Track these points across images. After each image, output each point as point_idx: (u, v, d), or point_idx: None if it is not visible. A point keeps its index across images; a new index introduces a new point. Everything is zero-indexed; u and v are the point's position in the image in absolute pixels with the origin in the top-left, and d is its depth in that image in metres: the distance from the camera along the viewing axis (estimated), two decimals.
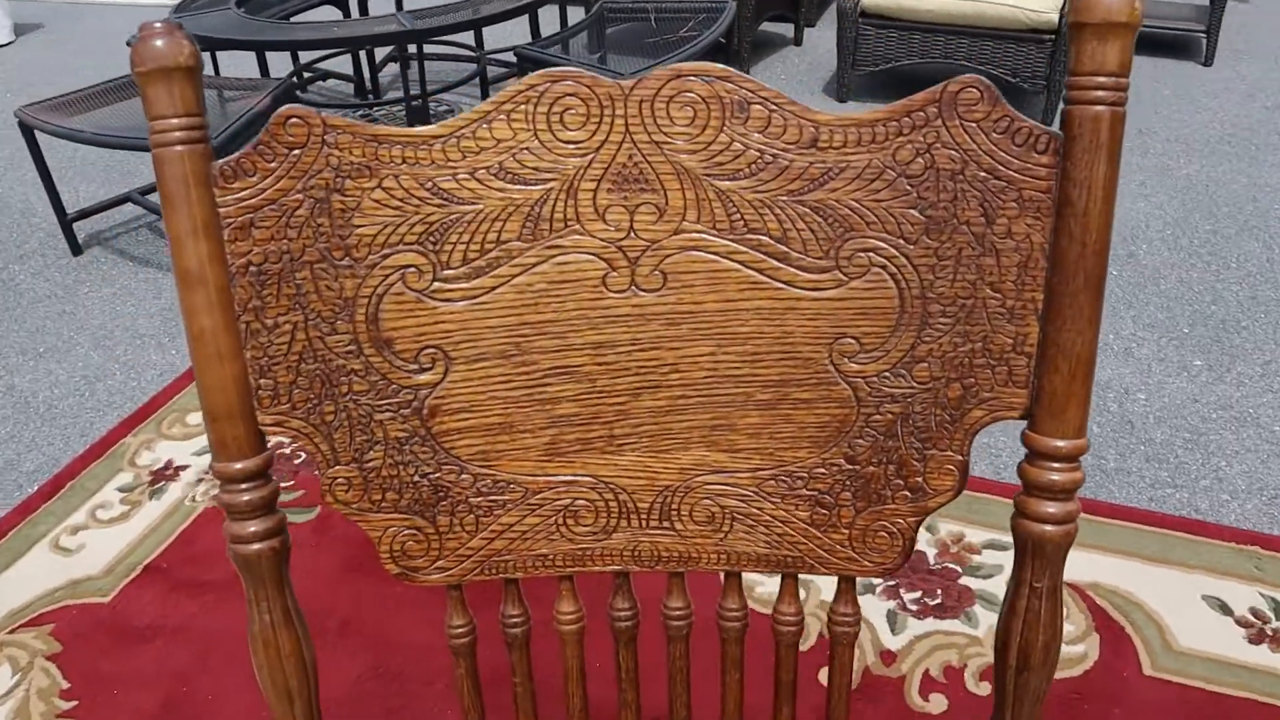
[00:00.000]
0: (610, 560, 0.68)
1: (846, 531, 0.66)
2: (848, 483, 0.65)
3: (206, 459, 2.18)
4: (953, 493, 0.65)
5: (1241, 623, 1.74)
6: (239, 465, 0.63)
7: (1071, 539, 0.62)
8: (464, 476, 0.66)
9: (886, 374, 0.64)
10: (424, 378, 0.65)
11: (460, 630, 0.69)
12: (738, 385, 0.65)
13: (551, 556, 0.68)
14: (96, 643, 1.80)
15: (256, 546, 0.64)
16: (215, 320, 0.61)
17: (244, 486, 0.63)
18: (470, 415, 0.65)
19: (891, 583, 1.80)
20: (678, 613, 0.70)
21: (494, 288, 0.64)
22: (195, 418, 2.31)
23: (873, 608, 1.76)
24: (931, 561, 1.84)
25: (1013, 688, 0.65)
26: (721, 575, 0.70)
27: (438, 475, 0.66)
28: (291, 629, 0.66)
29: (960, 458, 0.64)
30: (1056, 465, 0.61)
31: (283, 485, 2.10)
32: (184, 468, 2.17)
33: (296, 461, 2.17)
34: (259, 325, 0.63)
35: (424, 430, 0.65)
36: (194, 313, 0.61)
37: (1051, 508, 0.62)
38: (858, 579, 0.68)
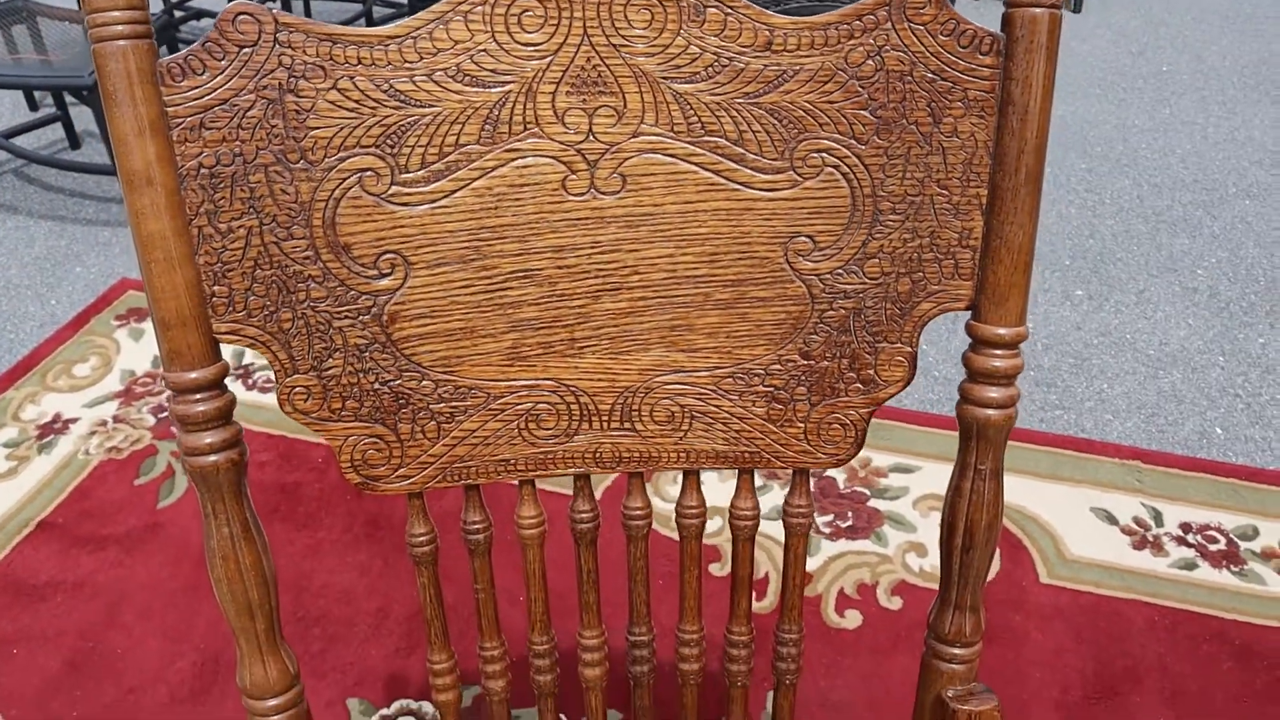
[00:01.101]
0: (572, 463, 0.69)
1: (802, 425, 0.68)
2: (803, 378, 0.67)
3: (98, 410, 2.10)
4: (902, 383, 0.67)
5: (1126, 530, 1.85)
6: (193, 375, 0.62)
7: (1012, 422, 0.65)
8: (425, 383, 0.66)
9: (839, 271, 0.66)
10: (383, 283, 0.64)
11: (421, 539, 0.69)
12: (696, 286, 0.66)
13: (514, 461, 0.69)
14: None
15: (214, 458, 0.62)
16: (164, 224, 0.59)
17: (199, 397, 0.62)
18: (431, 321, 0.65)
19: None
20: (637, 513, 0.71)
21: (453, 191, 0.63)
22: (83, 369, 2.22)
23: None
24: (841, 486, 1.90)
25: (959, 566, 0.69)
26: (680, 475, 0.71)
27: (398, 382, 0.66)
28: (252, 542, 0.65)
29: (910, 349, 0.67)
30: (999, 352, 0.64)
31: None
32: (74, 420, 2.08)
33: None
34: (211, 230, 0.61)
35: (384, 337, 0.65)
36: (142, 216, 0.59)
37: (994, 393, 0.65)
38: (811, 471, 0.70)
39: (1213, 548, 1.82)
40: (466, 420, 0.67)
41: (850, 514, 1.85)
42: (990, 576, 1.75)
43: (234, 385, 2.16)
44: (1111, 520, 1.87)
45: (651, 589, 0.74)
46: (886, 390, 0.68)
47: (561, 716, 0.79)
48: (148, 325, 2.34)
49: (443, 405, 0.67)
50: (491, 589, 0.71)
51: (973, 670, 0.71)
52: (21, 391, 2.16)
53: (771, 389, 0.68)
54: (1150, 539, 1.84)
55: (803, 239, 0.65)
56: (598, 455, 0.69)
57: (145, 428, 2.06)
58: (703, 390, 0.68)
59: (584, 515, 0.71)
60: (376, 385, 0.66)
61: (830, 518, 1.84)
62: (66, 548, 1.81)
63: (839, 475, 1.93)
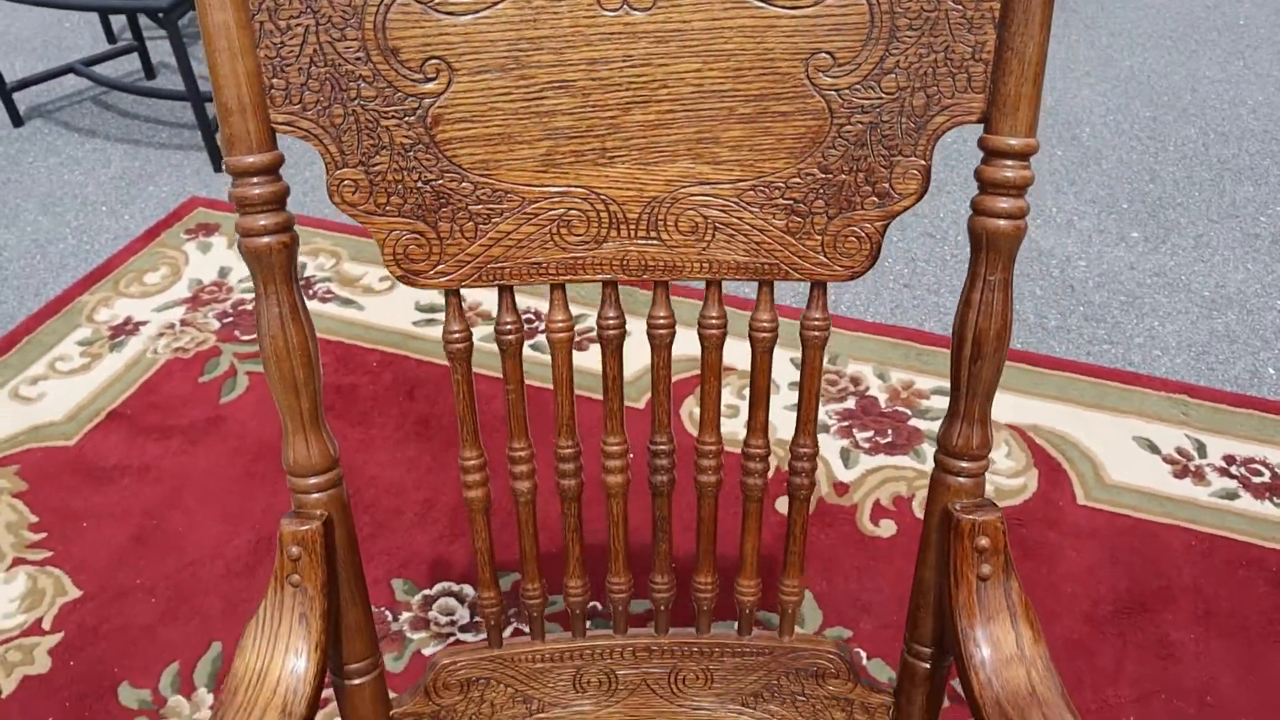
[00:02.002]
0: (600, 269, 0.73)
1: (819, 238, 0.72)
2: (821, 191, 0.71)
3: (166, 314, 2.19)
4: (916, 196, 0.70)
5: (1168, 460, 1.85)
6: (250, 159, 0.66)
7: (1022, 234, 0.68)
8: (464, 185, 0.70)
9: (857, 86, 0.69)
10: (428, 87, 0.68)
11: (457, 335, 0.74)
12: (721, 100, 0.70)
13: (545, 264, 0.73)
14: (63, 482, 1.82)
15: (267, 240, 0.67)
16: (229, 16, 0.64)
17: (255, 180, 0.67)
18: (472, 125, 0.69)
19: (845, 423, 1.89)
20: (661, 322, 0.75)
21: (495, 3, 0.67)
22: (153, 277, 2.31)
23: (827, 445, 1.84)
24: (883, 405, 1.92)
25: (967, 378, 0.72)
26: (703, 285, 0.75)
27: (440, 182, 0.70)
28: (299, 323, 0.70)
29: (924, 162, 0.69)
30: (1010, 163, 0.67)
31: (246, 338, 2.12)
32: (144, 323, 2.18)
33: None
34: (272, 26, 0.66)
35: (428, 138, 0.69)
36: (209, 6, 0.64)
37: (1004, 203, 0.67)
38: (828, 286, 0.73)
39: (1256, 480, 1.81)
40: (502, 222, 0.71)
41: (890, 431, 1.87)
42: (1027, 496, 1.77)
43: None
44: (1154, 449, 1.87)
45: (673, 401, 0.78)
46: (901, 203, 0.70)
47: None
48: (215, 239, 2.43)
49: (480, 206, 0.71)
50: (521, 390, 0.76)
51: (980, 485, 0.74)
52: (95, 296, 2.26)
53: (791, 202, 0.71)
54: (1192, 469, 1.83)
55: (823, 55, 0.68)
56: (625, 263, 0.73)
57: (210, 331, 2.14)
58: (725, 202, 0.71)
59: (611, 322, 0.75)
60: (419, 183, 0.70)
61: (870, 434, 1.86)
62: (134, 436, 1.90)
63: (881, 395, 1.95)
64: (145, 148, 2.84)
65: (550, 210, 0.72)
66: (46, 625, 1.59)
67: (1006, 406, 1.93)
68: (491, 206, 0.71)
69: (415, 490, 1.77)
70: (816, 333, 0.74)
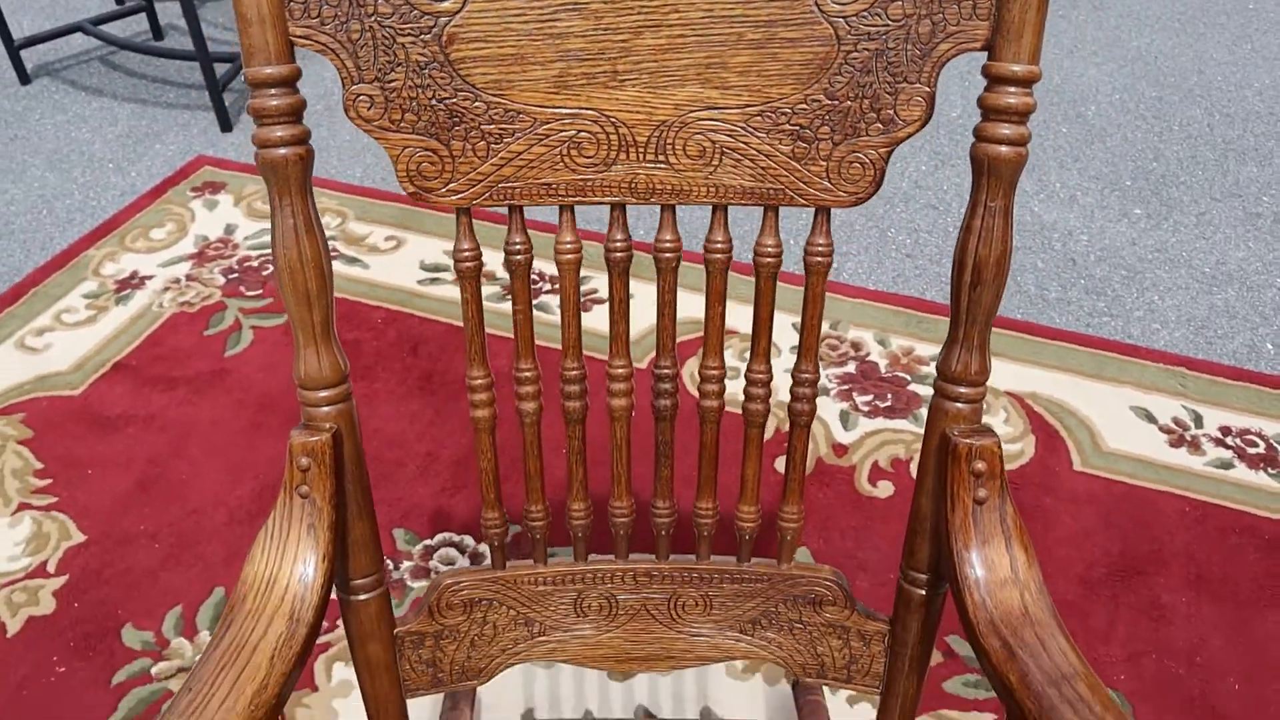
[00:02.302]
0: (609, 192, 0.74)
1: (824, 164, 0.73)
2: (827, 117, 0.72)
3: (172, 269, 2.20)
4: (920, 123, 0.71)
5: (1164, 429, 1.86)
6: (269, 70, 0.68)
7: (1023, 161, 0.69)
8: (477, 104, 0.71)
9: (865, 13, 0.70)
10: (444, 5, 0.69)
11: (467, 254, 0.75)
12: (730, 25, 0.71)
13: (555, 186, 0.74)
14: (68, 430, 1.84)
15: (283, 151, 0.69)
16: None
17: (273, 92, 0.68)
18: (485, 45, 0.70)
19: (845, 387, 1.90)
20: (668, 245, 0.76)
21: None
22: (159, 233, 2.32)
23: (827, 408, 1.86)
24: (883, 370, 1.94)
25: (967, 304, 0.73)
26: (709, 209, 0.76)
27: (453, 100, 0.71)
28: (313, 236, 0.71)
29: (928, 89, 0.70)
30: (1013, 89, 0.68)
31: (251, 294, 2.14)
32: (149, 277, 2.19)
33: (265, 273, 2.20)
34: None
35: (442, 56, 0.70)
36: None
37: (1006, 129, 0.68)
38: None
39: (1251, 451, 1.83)
40: (514, 142, 0.73)
41: (890, 395, 1.88)
42: (1024, 461, 1.79)
43: None
44: (1150, 419, 1.88)
45: (675, 335, 0.79)
46: (905, 130, 0.71)
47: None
48: (222, 196, 2.44)
49: (492, 126, 0.72)
50: (529, 310, 0.77)
51: (978, 411, 0.76)
52: (102, 250, 2.27)
53: (797, 128, 0.72)
54: (1188, 438, 1.85)
55: None
56: (633, 186, 0.74)
57: (216, 286, 2.15)
58: (733, 127, 0.72)
59: (618, 244, 0.76)
60: (433, 101, 0.71)
61: (870, 398, 1.88)
62: (139, 386, 1.92)
63: (881, 360, 1.96)
64: (152, 107, 2.85)
65: (561, 132, 0.73)
66: (51, 568, 1.61)
67: (1005, 374, 1.94)
68: (503, 126, 0.72)
69: (418, 443, 1.79)
70: (820, 258, 0.75)
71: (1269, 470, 1.79)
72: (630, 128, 0.73)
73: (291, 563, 0.72)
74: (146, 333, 2.04)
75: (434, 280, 2.17)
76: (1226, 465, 1.80)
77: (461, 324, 2.03)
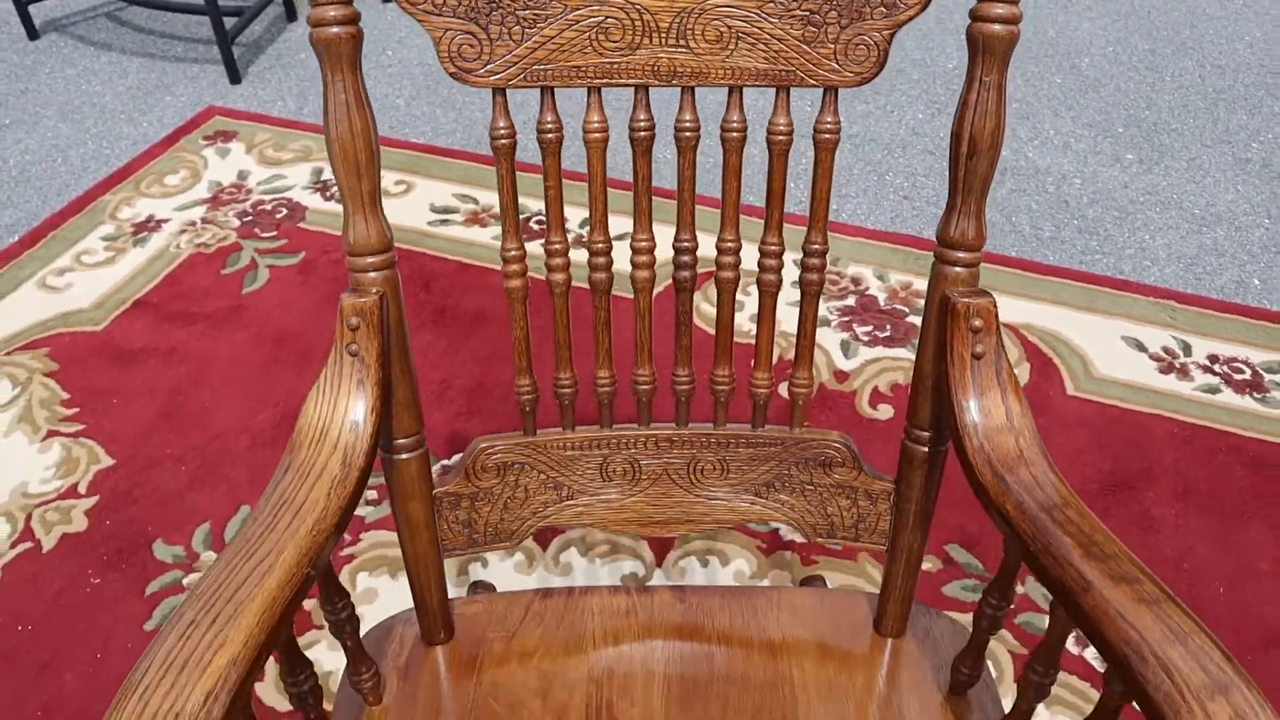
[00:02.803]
0: (634, 74, 0.80)
1: (832, 46, 0.78)
2: (834, 2, 0.77)
3: (187, 213, 2.25)
4: (920, 6, 0.77)
5: (1154, 358, 1.93)
6: None
7: (1015, 39, 0.74)
8: None
9: None
10: None
11: (503, 132, 0.80)
12: None
13: (584, 68, 0.79)
14: (92, 363, 1.90)
15: (336, 30, 0.74)
16: None
17: None
18: None
19: (846, 319, 1.96)
20: (687, 125, 0.82)
21: None
22: (173, 179, 2.37)
23: (828, 338, 1.92)
24: (882, 303, 2.00)
25: (964, 173, 0.79)
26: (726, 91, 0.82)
27: None
28: (362, 110, 0.77)
29: None
30: None
31: (266, 235, 2.19)
32: (165, 220, 2.24)
33: (279, 216, 2.25)
34: None
35: None
36: None
37: (1000, 9, 0.74)
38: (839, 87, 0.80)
39: (1238, 377, 1.89)
40: (546, 27, 0.78)
41: (889, 326, 1.94)
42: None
43: (313, 198, 2.30)
44: (1141, 348, 1.95)
45: (694, 214, 0.85)
46: (906, 13, 0.77)
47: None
48: (233, 145, 2.48)
49: (527, 11, 0.77)
50: (559, 187, 0.83)
51: (975, 275, 0.82)
52: (118, 196, 2.32)
53: (807, 13, 0.78)
54: (1177, 366, 1.91)
55: None
56: (656, 68, 0.80)
57: (231, 228, 2.20)
58: (748, 13, 0.78)
59: (642, 124, 0.81)
60: None
61: (870, 328, 1.94)
62: (160, 321, 1.97)
63: (880, 294, 2.02)
64: (161, 61, 2.89)
65: (590, 18, 0.78)
66: (82, 490, 1.67)
67: (1000, 307, 2.00)
68: (537, 12, 0.77)
69: (433, 371, 1.85)
70: (828, 135, 0.81)
71: (1254, 395, 1.86)
72: (653, 14, 0.78)
73: (343, 414, 0.78)
74: (165, 272, 2.09)
75: (444, 221, 2.22)
76: (1214, 390, 1.86)
77: (469, 262, 2.08)
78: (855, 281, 2.06)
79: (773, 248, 0.85)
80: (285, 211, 2.26)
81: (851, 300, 2.01)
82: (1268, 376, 1.90)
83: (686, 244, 0.85)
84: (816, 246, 0.85)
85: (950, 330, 0.80)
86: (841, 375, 1.84)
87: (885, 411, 1.78)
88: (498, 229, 2.17)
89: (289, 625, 0.71)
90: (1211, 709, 0.58)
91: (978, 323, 0.79)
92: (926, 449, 0.87)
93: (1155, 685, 0.60)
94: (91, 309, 2.01)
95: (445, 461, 1.69)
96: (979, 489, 0.77)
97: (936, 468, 0.88)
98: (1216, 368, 1.91)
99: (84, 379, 1.86)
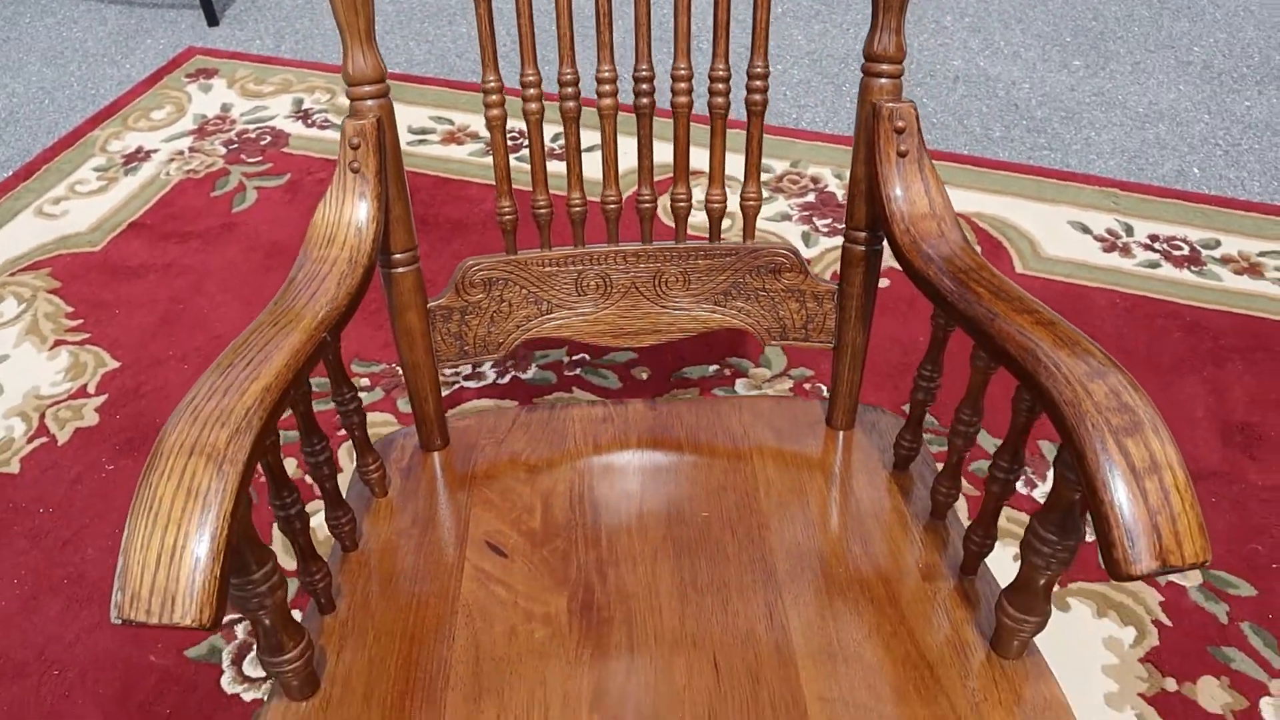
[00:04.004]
0: None
1: None
2: None
3: (175, 144, 2.34)
4: None
5: (1098, 239, 2.05)
6: None
7: None
8: None
9: None
10: None
11: None
12: None
13: None
14: (93, 280, 1.99)
15: None
16: None
17: None
18: None
19: (806, 213, 2.07)
20: None
21: None
22: (159, 114, 2.45)
23: (790, 231, 2.03)
24: (840, 199, 2.11)
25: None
26: None
27: None
28: None
29: None
30: None
31: (251, 160, 2.28)
32: (154, 151, 2.32)
33: (263, 143, 2.34)
34: None
35: None
36: None
37: None
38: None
39: (1177, 253, 2.02)
40: None
41: None
42: None
43: (296, 125, 2.39)
44: (1085, 230, 2.07)
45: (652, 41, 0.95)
46: None
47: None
48: (215, 81, 2.56)
49: None
50: (529, 15, 0.93)
51: (898, 87, 0.92)
52: (106, 131, 2.40)
53: None
54: (1120, 245, 2.03)
55: None
56: None
57: (218, 156, 2.29)
58: None
59: None
60: None
61: (829, 220, 2.05)
62: (155, 240, 2.06)
63: (838, 190, 2.13)
64: (139, 7, 2.96)
65: None
66: (91, 389, 1.76)
67: (951, 198, 2.12)
68: None
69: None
70: None
71: (1192, 268, 1.98)
72: None
73: (348, 220, 0.88)
74: (157, 197, 2.18)
75: (422, 141, 2.32)
76: (1154, 265, 1.99)
77: (447, 176, 2.18)
78: (815, 180, 2.17)
79: (720, 73, 0.96)
80: (269, 139, 2.35)
81: (811, 197, 2.12)
82: (1205, 252, 2.02)
83: (644, 73, 0.96)
84: (759, 69, 0.95)
85: (877, 133, 0.91)
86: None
87: None
88: (474, 146, 2.27)
89: (307, 391, 0.83)
90: (1091, 388, 0.70)
91: (901, 124, 0.90)
92: (864, 248, 0.98)
93: (1048, 374, 0.72)
94: (88, 232, 2.10)
95: None
96: (908, 265, 0.89)
97: (874, 266, 0.99)
98: (1157, 245, 2.03)
99: (86, 293, 1.96)
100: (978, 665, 0.82)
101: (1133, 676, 1.35)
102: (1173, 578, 1.46)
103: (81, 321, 1.90)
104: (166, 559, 0.62)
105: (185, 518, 0.63)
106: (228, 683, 1.35)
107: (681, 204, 1.00)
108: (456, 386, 1.74)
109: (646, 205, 1.01)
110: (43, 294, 1.96)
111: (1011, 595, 0.80)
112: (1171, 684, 1.34)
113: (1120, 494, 0.65)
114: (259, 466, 0.75)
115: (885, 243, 0.96)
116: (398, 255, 0.96)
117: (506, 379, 1.75)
